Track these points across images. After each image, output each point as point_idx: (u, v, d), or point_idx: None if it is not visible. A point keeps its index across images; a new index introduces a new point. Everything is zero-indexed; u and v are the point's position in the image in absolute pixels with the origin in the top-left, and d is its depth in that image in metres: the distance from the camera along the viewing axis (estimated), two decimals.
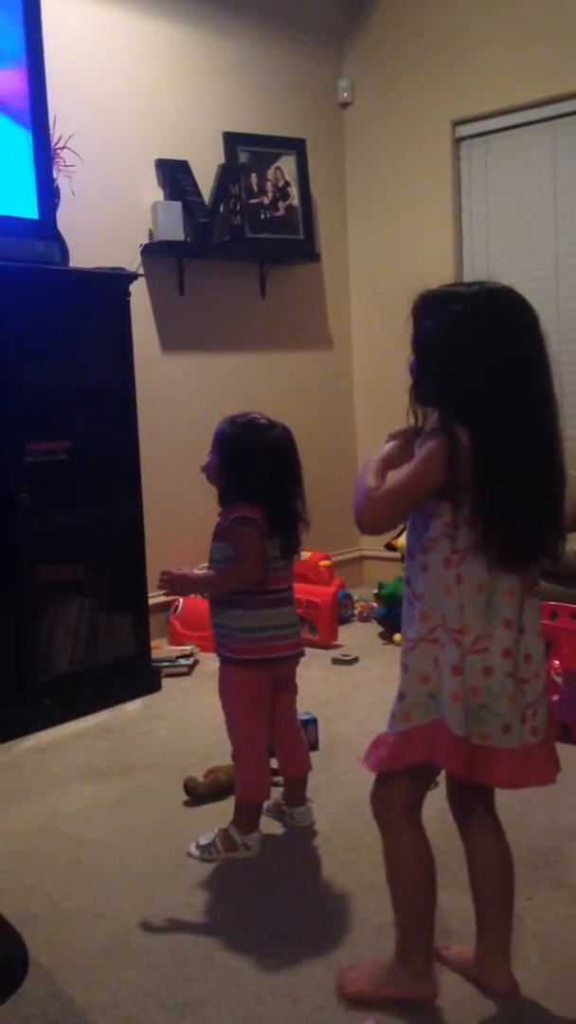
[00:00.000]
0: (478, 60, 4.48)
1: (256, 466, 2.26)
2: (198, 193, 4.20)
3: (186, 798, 2.63)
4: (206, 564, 2.40)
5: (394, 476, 1.64)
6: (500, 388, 1.56)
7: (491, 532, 1.57)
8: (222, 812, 2.48)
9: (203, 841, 2.34)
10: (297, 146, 4.64)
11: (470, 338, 1.56)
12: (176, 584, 2.40)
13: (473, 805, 1.78)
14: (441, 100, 4.64)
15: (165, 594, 2.50)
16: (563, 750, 2.82)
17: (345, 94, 4.96)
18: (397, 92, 4.81)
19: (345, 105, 4.98)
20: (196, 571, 2.52)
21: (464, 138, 4.65)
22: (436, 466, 1.55)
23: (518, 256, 4.53)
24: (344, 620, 4.34)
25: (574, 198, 4.34)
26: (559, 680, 2.96)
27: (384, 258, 4.93)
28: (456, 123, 4.63)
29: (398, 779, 1.71)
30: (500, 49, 4.40)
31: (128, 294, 3.53)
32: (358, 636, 4.20)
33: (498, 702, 1.60)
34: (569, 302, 4.36)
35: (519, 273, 4.51)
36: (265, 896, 2.18)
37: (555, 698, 2.94)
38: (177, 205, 4.11)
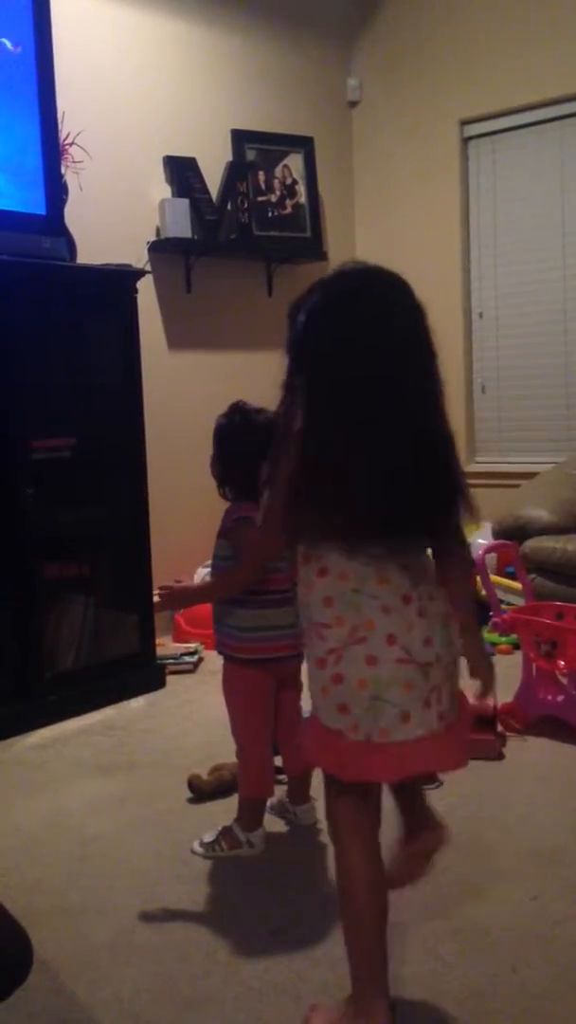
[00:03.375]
0: (487, 60, 4.48)
1: (249, 450, 2.26)
2: (206, 190, 4.21)
3: (190, 795, 2.64)
4: (210, 561, 2.41)
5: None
6: (323, 379, 1.54)
7: (329, 522, 1.53)
8: (226, 809, 2.48)
9: (207, 838, 2.34)
10: (305, 144, 4.64)
11: (306, 340, 1.56)
12: (175, 598, 2.40)
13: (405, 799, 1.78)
14: (449, 99, 4.63)
15: (170, 608, 2.51)
16: (567, 750, 2.84)
17: (354, 93, 4.95)
18: (405, 91, 4.80)
19: (354, 104, 4.98)
20: (196, 580, 2.51)
21: (472, 137, 4.65)
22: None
23: (526, 256, 4.53)
24: None
25: None
26: (564, 681, 2.95)
27: (391, 257, 4.84)
28: (464, 122, 4.63)
29: None
30: (509, 49, 4.40)
31: (135, 291, 3.53)
32: None
33: (390, 690, 1.53)
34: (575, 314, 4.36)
35: (527, 273, 4.51)
36: (268, 894, 2.18)
37: (560, 699, 2.93)
38: (184, 202, 4.11)
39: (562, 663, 2.96)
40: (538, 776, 2.65)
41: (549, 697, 2.96)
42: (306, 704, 2.50)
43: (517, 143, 4.51)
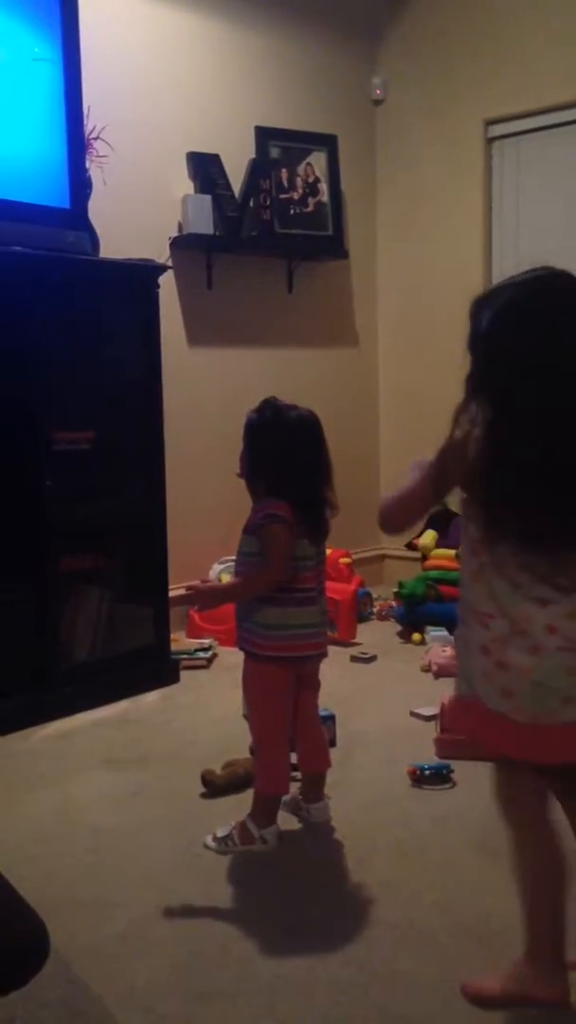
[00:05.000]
0: (513, 60, 4.46)
1: (280, 443, 2.27)
2: (228, 187, 4.20)
3: (203, 790, 2.64)
4: (232, 557, 2.41)
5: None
6: (516, 382, 1.56)
7: (499, 522, 1.60)
8: (239, 805, 2.48)
9: (220, 833, 2.34)
10: (329, 142, 4.63)
11: (495, 342, 1.59)
12: (204, 597, 2.41)
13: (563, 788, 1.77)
14: (474, 99, 4.61)
15: (197, 609, 2.52)
16: None
17: (378, 91, 4.94)
18: (430, 90, 4.79)
19: (378, 102, 4.97)
20: (211, 575, 2.51)
21: (497, 138, 4.62)
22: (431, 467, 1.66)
23: (549, 257, 4.49)
24: (363, 618, 4.33)
25: None
26: None
27: (413, 257, 4.91)
28: (489, 123, 4.61)
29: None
30: (535, 49, 4.38)
31: (157, 286, 3.54)
32: (377, 635, 4.20)
33: (554, 677, 1.59)
34: None
35: None
36: (281, 890, 2.19)
37: None
38: (207, 199, 4.11)
39: None
40: None
41: None
42: (320, 703, 2.51)
43: (542, 144, 4.49)
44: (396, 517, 1.79)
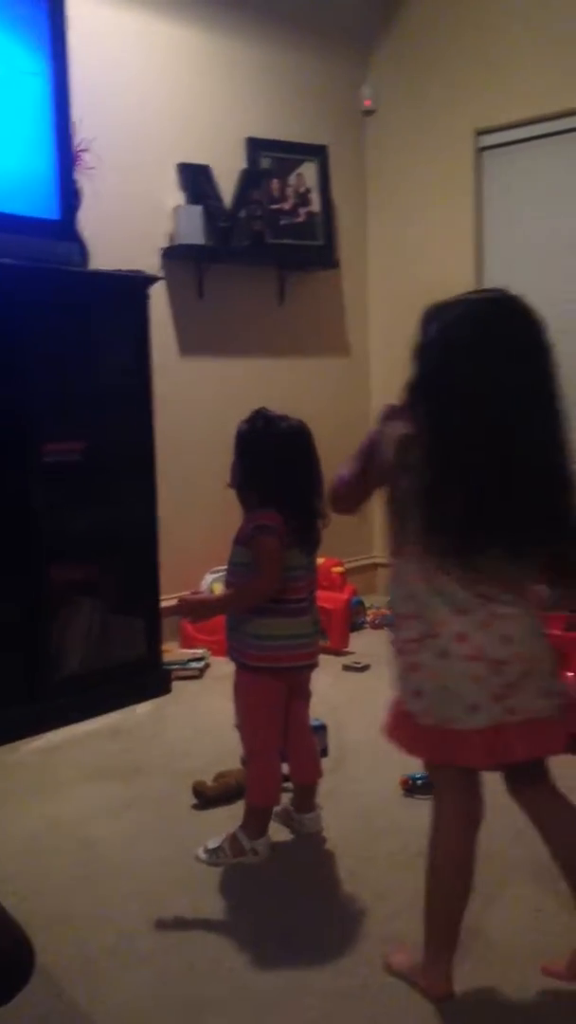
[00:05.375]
0: (503, 70, 4.47)
1: (269, 455, 2.27)
2: (219, 198, 4.21)
3: (195, 801, 2.63)
4: (224, 567, 2.40)
5: None
6: (450, 397, 1.62)
7: (425, 529, 1.64)
8: (231, 816, 2.47)
9: (211, 845, 2.33)
10: (319, 153, 4.64)
11: (439, 357, 1.65)
12: (196, 610, 2.40)
13: (531, 787, 1.79)
14: (465, 109, 4.63)
15: (189, 621, 2.52)
16: (572, 762, 2.82)
17: (368, 101, 4.95)
18: (420, 100, 4.80)
19: (368, 112, 4.98)
20: (203, 586, 2.51)
21: (487, 148, 4.64)
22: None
23: (540, 268, 4.52)
24: (356, 627, 4.32)
25: None
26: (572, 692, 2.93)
27: (404, 267, 4.92)
28: (479, 132, 4.62)
29: None
30: (525, 59, 4.40)
31: (147, 297, 3.54)
32: (369, 643, 4.18)
33: (459, 684, 1.65)
34: None
35: (541, 284, 4.50)
36: (273, 901, 2.17)
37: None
38: (198, 209, 4.11)
39: (571, 675, 2.95)
40: None
41: None
42: (312, 713, 2.51)
43: (533, 154, 4.50)
44: (340, 501, 1.91)
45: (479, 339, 1.62)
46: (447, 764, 1.73)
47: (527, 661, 1.68)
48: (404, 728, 1.74)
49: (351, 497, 1.88)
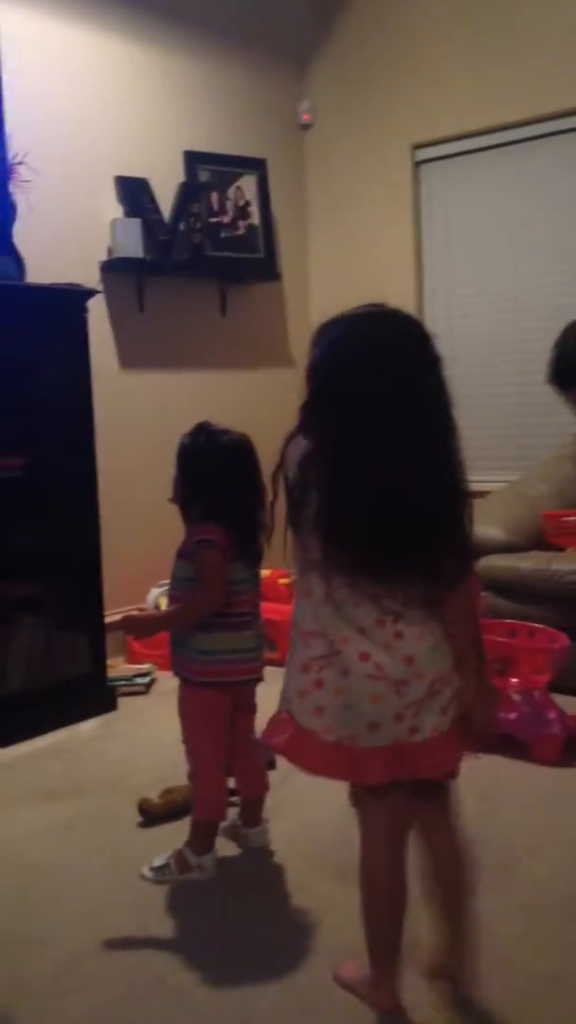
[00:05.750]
0: (438, 85, 4.53)
1: (211, 469, 2.26)
2: (158, 211, 4.20)
3: (140, 819, 2.59)
4: (167, 581, 2.38)
5: None
6: (347, 411, 1.61)
7: (330, 548, 1.62)
8: (178, 833, 2.43)
9: (157, 863, 2.29)
10: (258, 166, 4.66)
11: (325, 374, 1.64)
12: (139, 627, 2.38)
13: (423, 802, 1.79)
14: (401, 124, 4.68)
15: (134, 639, 2.48)
16: (521, 768, 2.85)
17: (306, 116, 4.99)
18: (357, 115, 4.84)
19: (306, 127, 5.01)
20: (149, 599, 2.49)
21: (424, 161, 4.69)
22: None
23: (477, 278, 4.57)
24: None
25: (532, 224, 4.39)
26: (517, 698, 2.96)
27: (344, 279, 4.95)
28: (416, 146, 4.67)
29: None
30: (460, 75, 4.46)
31: (85, 310, 3.51)
32: None
33: (360, 703, 1.64)
34: (529, 331, 4.40)
35: (479, 295, 4.56)
36: (219, 918, 2.15)
37: (512, 716, 2.94)
38: (136, 222, 4.10)
39: (515, 680, 2.97)
40: (490, 794, 2.65)
41: (502, 715, 2.96)
42: (260, 725, 2.49)
43: (468, 168, 4.56)
44: None
45: (364, 354, 1.61)
46: (348, 781, 1.72)
47: (431, 681, 1.66)
48: (304, 746, 1.70)
49: None
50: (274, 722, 1.77)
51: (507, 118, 4.33)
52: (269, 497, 1.76)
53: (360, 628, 1.64)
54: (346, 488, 1.60)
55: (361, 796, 1.76)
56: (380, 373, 1.59)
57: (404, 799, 1.74)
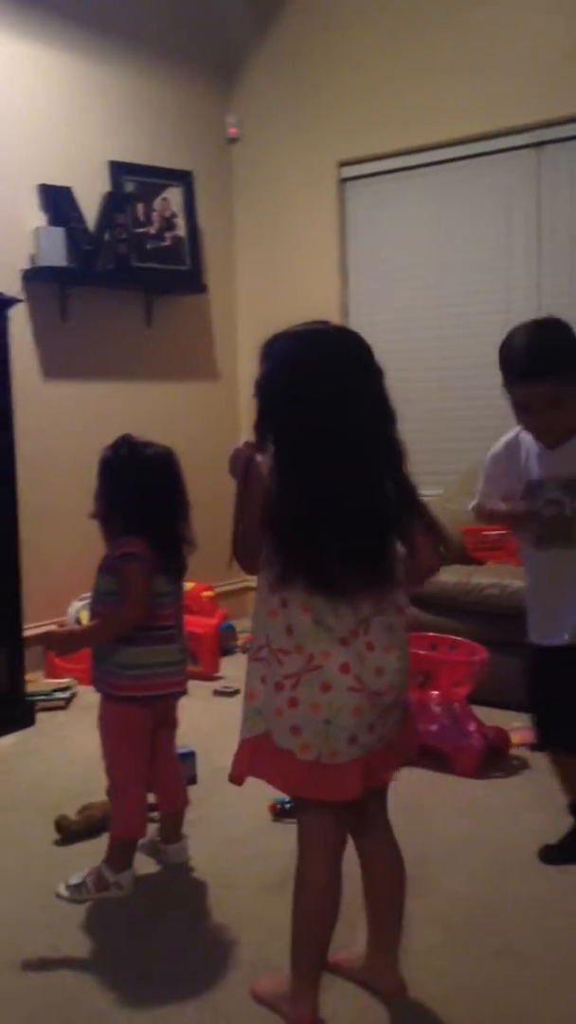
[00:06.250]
0: (364, 104, 4.58)
1: (134, 482, 2.24)
2: (82, 220, 4.16)
3: (57, 837, 2.54)
4: (88, 595, 2.35)
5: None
6: (302, 426, 1.63)
7: (295, 563, 1.64)
8: (96, 850, 2.40)
9: (73, 881, 2.26)
10: (184, 178, 4.65)
11: (276, 389, 1.66)
12: (60, 643, 2.34)
13: (363, 811, 1.80)
14: (327, 141, 4.72)
15: (56, 655, 2.44)
16: (441, 780, 2.87)
17: (233, 130, 5.00)
18: (284, 130, 4.87)
19: (234, 140, 5.03)
20: (70, 613, 2.45)
21: (349, 179, 4.74)
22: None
23: (401, 294, 4.63)
24: (227, 651, 4.30)
25: (456, 242, 4.46)
26: (438, 711, 2.99)
27: (272, 292, 4.97)
28: (342, 164, 4.72)
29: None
30: (386, 95, 4.51)
31: (7, 319, 3.45)
32: (240, 668, 4.10)
33: (341, 716, 1.65)
34: (451, 348, 4.47)
35: (403, 311, 4.61)
36: (137, 936, 2.12)
37: (434, 728, 2.96)
38: (60, 231, 4.05)
39: (435, 693, 3.00)
40: (410, 806, 2.66)
41: (423, 727, 2.98)
42: (183, 740, 2.47)
43: (393, 186, 4.62)
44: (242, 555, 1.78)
45: (316, 368, 1.64)
46: (322, 799, 1.70)
47: (396, 691, 1.70)
48: (279, 766, 1.69)
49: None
50: (245, 747, 1.74)
51: (432, 138, 4.40)
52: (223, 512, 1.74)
53: (341, 639, 1.65)
54: (303, 500, 1.62)
55: (306, 810, 1.74)
56: (332, 387, 1.62)
57: (345, 811, 1.75)
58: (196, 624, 4.03)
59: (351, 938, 1.99)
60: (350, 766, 1.67)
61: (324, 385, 1.62)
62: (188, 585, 4.04)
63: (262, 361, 1.69)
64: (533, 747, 2.82)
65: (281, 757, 1.68)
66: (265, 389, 1.67)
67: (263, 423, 1.66)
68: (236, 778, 1.77)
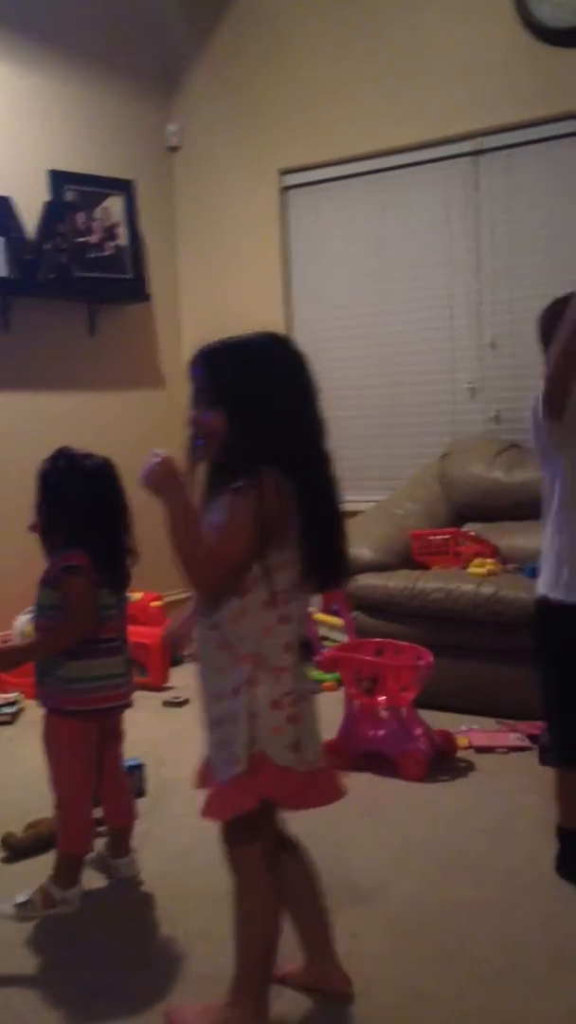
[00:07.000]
0: (305, 112, 4.61)
1: (74, 494, 2.23)
2: (21, 229, 4.13)
3: (4, 854, 2.51)
4: (31, 609, 2.32)
5: (217, 542, 1.65)
6: (297, 423, 1.67)
7: (311, 567, 1.66)
8: (44, 868, 2.36)
9: (20, 899, 2.23)
10: (125, 187, 4.64)
11: (239, 392, 1.65)
12: (4, 658, 2.31)
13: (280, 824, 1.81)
14: (268, 149, 4.74)
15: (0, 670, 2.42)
16: (389, 785, 2.88)
17: (174, 138, 5.00)
18: (225, 139, 4.88)
19: (174, 149, 5.02)
20: (15, 627, 2.42)
21: (291, 187, 4.76)
22: (252, 530, 1.60)
23: (345, 302, 4.66)
24: (176, 662, 4.27)
25: (397, 251, 4.50)
26: (385, 715, 3.00)
27: (215, 300, 4.96)
28: (283, 172, 4.74)
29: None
30: (325, 103, 4.55)
31: None
32: (189, 678, 4.12)
33: (314, 724, 1.70)
34: (394, 354, 4.51)
35: (347, 318, 4.64)
36: (86, 952, 2.10)
37: (381, 734, 2.98)
38: None
39: (382, 698, 3.01)
40: (359, 811, 2.67)
41: (371, 732, 3.00)
42: (132, 751, 2.44)
43: (334, 194, 4.65)
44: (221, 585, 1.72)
45: (287, 375, 1.67)
46: (315, 806, 1.70)
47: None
48: (286, 785, 1.65)
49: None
50: (247, 775, 1.65)
51: (373, 147, 4.44)
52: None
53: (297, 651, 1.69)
54: (321, 503, 1.66)
55: (253, 825, 1.70)
56: (303, 392, 1.67)
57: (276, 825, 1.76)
58: (144, 635, 4.00)
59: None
60: (328, 768, 1.72)
61: (299, 389, 1.67)
62: (136, 595, 4.03)
63: (220, 370, 1.67)
64: (544, 761, 2.81)
65: (285, 775, 1.66)
66: (238, 398, 1.64)
67: (254, 437, 1.62)
68: (230, 816, 1.70)
